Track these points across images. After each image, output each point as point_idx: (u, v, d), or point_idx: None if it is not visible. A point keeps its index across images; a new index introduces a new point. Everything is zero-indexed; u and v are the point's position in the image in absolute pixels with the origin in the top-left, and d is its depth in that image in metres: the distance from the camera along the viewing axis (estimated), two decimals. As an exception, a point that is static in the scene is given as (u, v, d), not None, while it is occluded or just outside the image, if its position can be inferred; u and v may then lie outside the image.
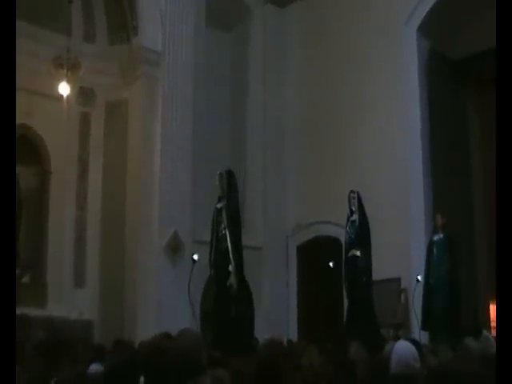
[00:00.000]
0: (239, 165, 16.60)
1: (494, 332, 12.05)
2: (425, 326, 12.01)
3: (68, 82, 13.23)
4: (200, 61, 15.38)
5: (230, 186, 10.58)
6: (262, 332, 13.47)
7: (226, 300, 10.09)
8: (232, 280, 10.01)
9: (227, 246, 10.17)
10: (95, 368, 5.78)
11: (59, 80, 13.26)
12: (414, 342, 5.68)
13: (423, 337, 11.68)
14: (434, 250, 12.34)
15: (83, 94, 14.48)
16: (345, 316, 12.00)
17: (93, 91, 14.68)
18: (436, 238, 12.42)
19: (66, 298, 13.66)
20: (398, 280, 13.72)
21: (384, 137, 14.66)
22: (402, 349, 4.74)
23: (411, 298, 12.77)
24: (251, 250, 15.71)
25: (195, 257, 10.55)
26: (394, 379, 4.48)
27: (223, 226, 10.30)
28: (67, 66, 13.30)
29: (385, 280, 13.71)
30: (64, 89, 13.20)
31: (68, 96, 13.30)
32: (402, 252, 13.51)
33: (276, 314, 15.56)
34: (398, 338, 6.83)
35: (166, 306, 13.02)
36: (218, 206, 10.52)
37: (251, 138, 16.78)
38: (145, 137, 14.34)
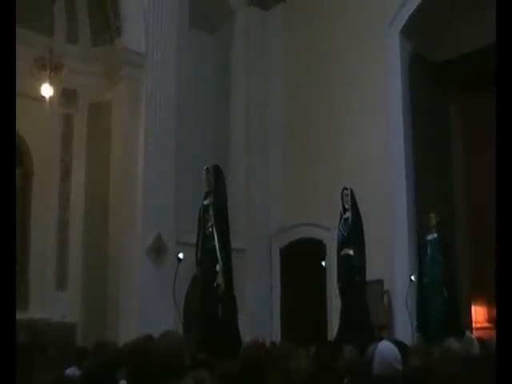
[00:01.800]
0: (223, 166, 16.59)
1: (476, 333, 12.16)
2: (420, 327, 11.93)
3: (51, 83, 13.14)
4: (184, 62, 15.35)
5: (218, 181, 10.25)
6: (245, 334, 13.49)
7: (213, 301, 9.81)
8: (220, 280, 9.76)
9: (214, 245, 9.86)
10: (72, 372, 5.72)
11: (42, 81, 13.16)
12: (399, 344, 5.70)
13: (408, 338, 11.68)
14: (428, 249, 12.22)
15: (66, 95, 14.39)
16: (339, 317, 11.76)
17: (76, 92, 14.60)
18: (430, 237, 12.29)
19: (48, 301, 13.57)
20: (380, 282, 13.76)
21: (367, 139, 14.71)
22: (385, 350, 4.74)
23: (404, 298, 12.68)
24: (234, 252, 15.61)
25: (180, 255, 10.33)
26: (376, 380, 4.49)
27: (210, 223, 9.98)
28: (50, 66, 13.20)
29: (368, 282, 13.75)
30: (47, 90, 13.11)
31: (51, 97, 13.22)
32: (385, 254, 13.54)
33: (259, 315, 15.55)
34: (381, 339, 6.83)
35: (148, 308, 12.97)
36: (205, 202, 10.17)
37: (235, 139, 16.78)
38: (128, 138, 14.28)
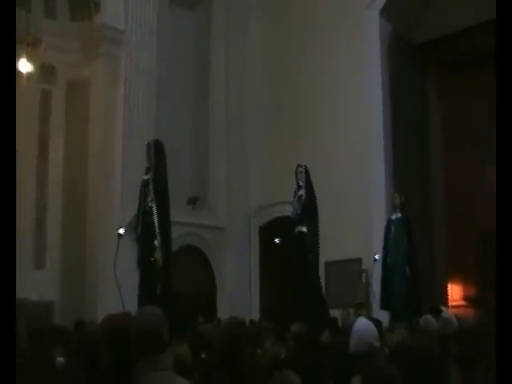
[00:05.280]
0: (203, 144, 16.55)
1: (452, 311, 12.31)
2: (384, 305, 12.06)
3: (28, 58, 12.97)
4: (163, 38, 15.24)
5: (158, 156, 10.22)
6: (224, 312, 13.56)
7: (151, 277, 9.77)
8: (157, 255, 9.73)
9: (154, 220, 9.86)
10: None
11: (19, 56, 12.97)
12: (375, 321, 5.75)
13: (382, 316, 11.79)
14: (392, 228, 12.27)
15: (44, 71, 14.23)
16: (294, 296, 11.58)
17: (54, 68, 14.43)
18: (394, 216, 12.36)
19: (25, 279, 13.47)
20: (359, 260, 13.86)
21: (346, 120, 14.75)
22: (362, 327, 4.79)
23: (370, 278, 12.85)
24: (213, 230, 15.75)
25: (121, 231, 10.23)
26: (353, 357, 4.54)
27: (150, 198, 9.99)
28: (28, 42, 13.02)
29: (346, 260, 13.87)
30: (24, 65, 12.93)
31: (28, 73, 13.05)
32: (363, 233, 13.64)
33: (238, 294, 15.62)
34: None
35: (127, 287, 12.93)
36: (145, 177, 10.22)
37: (215, 117, 16.71)
38: (107, 115, 14.18)
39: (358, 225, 13.82)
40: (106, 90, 14.29)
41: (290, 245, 11.84)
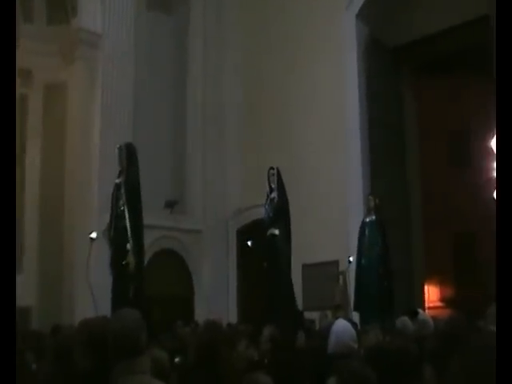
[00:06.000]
0: (180, 146, 16.52)
1: (429, 312, 12.40)
2: (357, 307, 12.13)
3: (4, 62, 12.89)
4: (141, 42, 15.23)
5: (130, 160, 10.29)
6: (202, 315, 13.55)
7: (123, 280, 9.81)
8: (129, 259, 9.77)
9: (126, 224, 9.91)
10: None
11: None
12: (352, 324, 5.80)
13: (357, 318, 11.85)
14: (366, 231, 12.37)
15: (21, 75, 14.11)
16: (265, 297, 11.73)
17: (31, 72, 14.36)
18: (368, 219, 12.46)
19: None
20: (336, 263, 13.91)
21: (322, 121, 14.81)
22: (341, 329, 4.81)
23: (348, 280, 12.93)
24: (191, 234, 15.73)
25: (93, 235, 10.22)
26: (331, 359, 4.56)
27: (122, 202, 10.03)
28: (3, 46, 12.94)
29: (323, 263, 13.92)
30: (0, 69, 12.86)
31: (4, 77, 12.97)
32: (341, 235, 13.70)
33: (215, 296, 15.61)
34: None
35: (104, 292, 12.88)
36: (117, 181, 10.25)
37: (192, 120, 16.69)
38: (84, 119, 14.14)
39: (335, 227, 13.88)
40: (83, 93, 14.26)
41: (262, 247, 11.88)
